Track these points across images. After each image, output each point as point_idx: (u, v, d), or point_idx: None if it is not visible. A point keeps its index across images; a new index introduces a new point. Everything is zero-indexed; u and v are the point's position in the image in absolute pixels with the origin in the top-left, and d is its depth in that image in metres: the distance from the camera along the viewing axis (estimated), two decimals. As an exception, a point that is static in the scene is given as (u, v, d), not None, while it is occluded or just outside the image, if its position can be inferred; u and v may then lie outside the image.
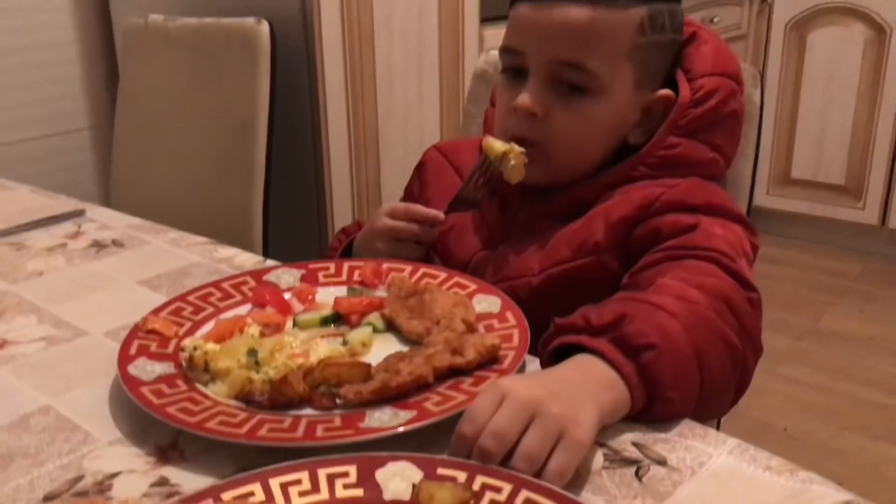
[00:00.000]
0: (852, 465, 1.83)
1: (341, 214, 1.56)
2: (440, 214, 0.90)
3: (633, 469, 0.57)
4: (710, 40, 0.90)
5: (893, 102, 2.72)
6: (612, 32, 0.83)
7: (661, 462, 0.58)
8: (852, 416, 2.00)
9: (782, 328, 2.41)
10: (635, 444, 0.60)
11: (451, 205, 0.90)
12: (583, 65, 0.83)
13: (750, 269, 0.79)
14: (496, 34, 1.73)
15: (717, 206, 0.81)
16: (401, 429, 0.58)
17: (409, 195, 1.04)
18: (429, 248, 0.93)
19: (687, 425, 0.62)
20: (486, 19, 1.75)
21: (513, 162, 0.85)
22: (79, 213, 1.12)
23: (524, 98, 0.84)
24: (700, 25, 0.92)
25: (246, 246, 1.40)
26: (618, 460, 0.58)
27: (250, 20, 1.42)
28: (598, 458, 0.58)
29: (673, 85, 0.88)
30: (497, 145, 0.86)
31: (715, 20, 2.59)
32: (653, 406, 0.62)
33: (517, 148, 0.85)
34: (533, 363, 0.70)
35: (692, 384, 0.64)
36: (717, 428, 1.00)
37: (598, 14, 0.82)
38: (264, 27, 1.41)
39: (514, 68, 0.87)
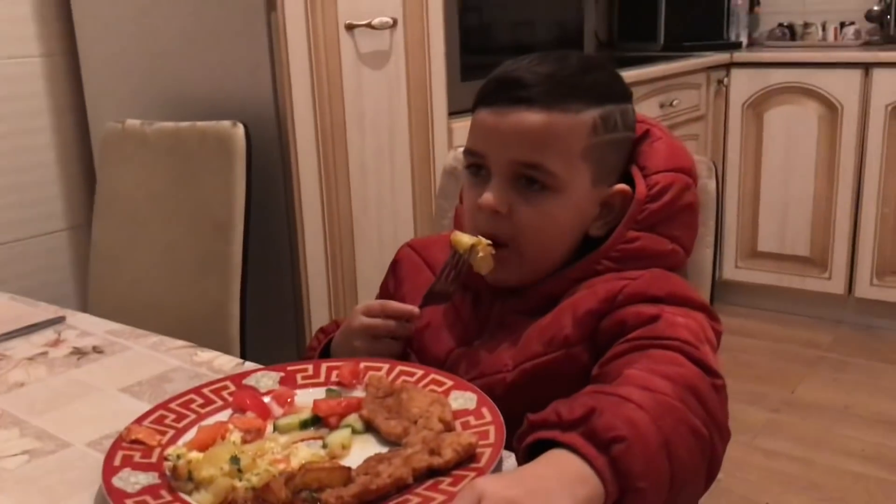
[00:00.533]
0: (835, 538, 1.84)
1: (318, 309, 1.58)
2: (415, 309, 0.93)
3: (609, 563, 0.59)
4: (662, 137, 0.95)
5: (850, 174, 2.83)
6: (567, 135, 0.88)
7: (636, 554, 0.59)
8: (833, 487, 2.01)
9: (759, 400, 2.43)
10: (610, 537, 0.61)
11: (425, 299, 0.94)
12: (540, 165, 0.88)
13: (714, 356, 0.82)
14: (464, 126, 1.79)
15: (679, 295, 0.85)
16: (382, 532, 0.59)
17: (384, 292, 1.07)
18: (406, 344, 0.96)
19: (660, 514, 0.64)
20: (454, 112, 1.82)
21: (481, 254, 0.90)
22: (59, 321, 1.13)
23: (488, 197, 0.89)
24: (653, 123, 0.98)
25: (224, 344, 1.42)
26: (594, 554, 0.60)
27: (226, 123, 1.47)
28: (575, 553, 0.59)
29: (630, 178, 0.93)
30: (464, 239, 0.90)
31: (674, 103, 2.70)
32: (625, 497, 0.64)
33: (484, 241, 0.90)
34: (509, 458, 0.71)
35: (662, 473, 0.66)
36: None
37: (552, 119, 0.87)
38: (239, 130, 1.45)
39: (477, 167, 0.92)
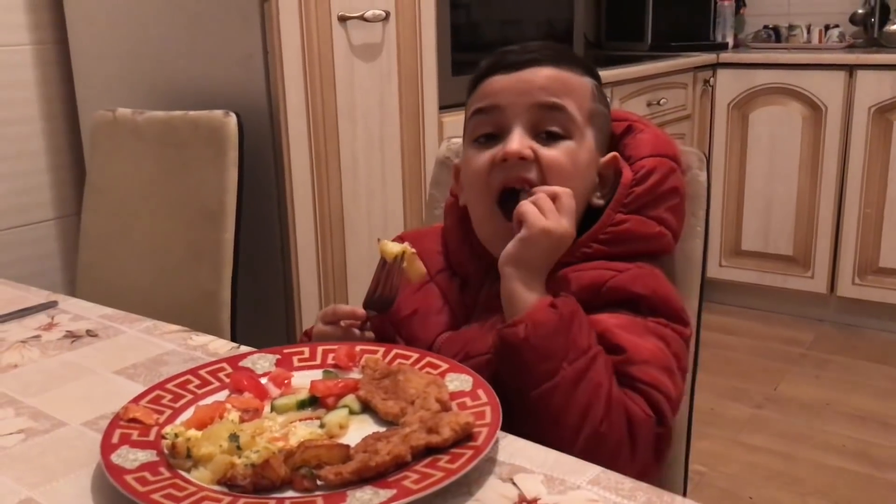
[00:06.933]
0: (817, 531, 1.86)
1: (308, 299, 1.58)
2: (358, 310, 0.92)
3: (605, 537, 0.60)
4: (646, 129, 0.98)
5: (833, 175, 2.86)
6: (578, 88, 0.93)
7: (631, 529, 0.60)
8: (815, 482, 2.04)
9: (742, 396, 2.46)
10: (605, 513, 0.62)
11: (366, 306, 0.93)
12: (563, 107, 0.90)
13: (676, 375, 0.86)
14: (454, 121, 1.80)
15: (661, 296, 0.87)
16: (381, 507, 0.60)
17: (376, 285, 1.08)
18: (394, 332, 0.96)
19: (655, 493, 0.65)
20: (445, 107, 1.83)
21: (405, 264, 0.91)
22: (51, 305, 1.13)
23: (512, 145, 0.89)
24: (635, 118, 1.01)
25: (214, 332, 1.41)
26: (590, 529, 0.61)
27: (218, 112, 1.47)
28: (571, 528, 0.60)
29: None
30: (390, 247, 0.91)
31: (661, 102, 2.72)
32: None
33: (410, 248, 0.91)
34: (505, 438, 0.72)
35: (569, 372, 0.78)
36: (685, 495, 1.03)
37: (563, 74, 0.92)
38: (232, 119, 1.45)
39: (490, 131, 0.92)
